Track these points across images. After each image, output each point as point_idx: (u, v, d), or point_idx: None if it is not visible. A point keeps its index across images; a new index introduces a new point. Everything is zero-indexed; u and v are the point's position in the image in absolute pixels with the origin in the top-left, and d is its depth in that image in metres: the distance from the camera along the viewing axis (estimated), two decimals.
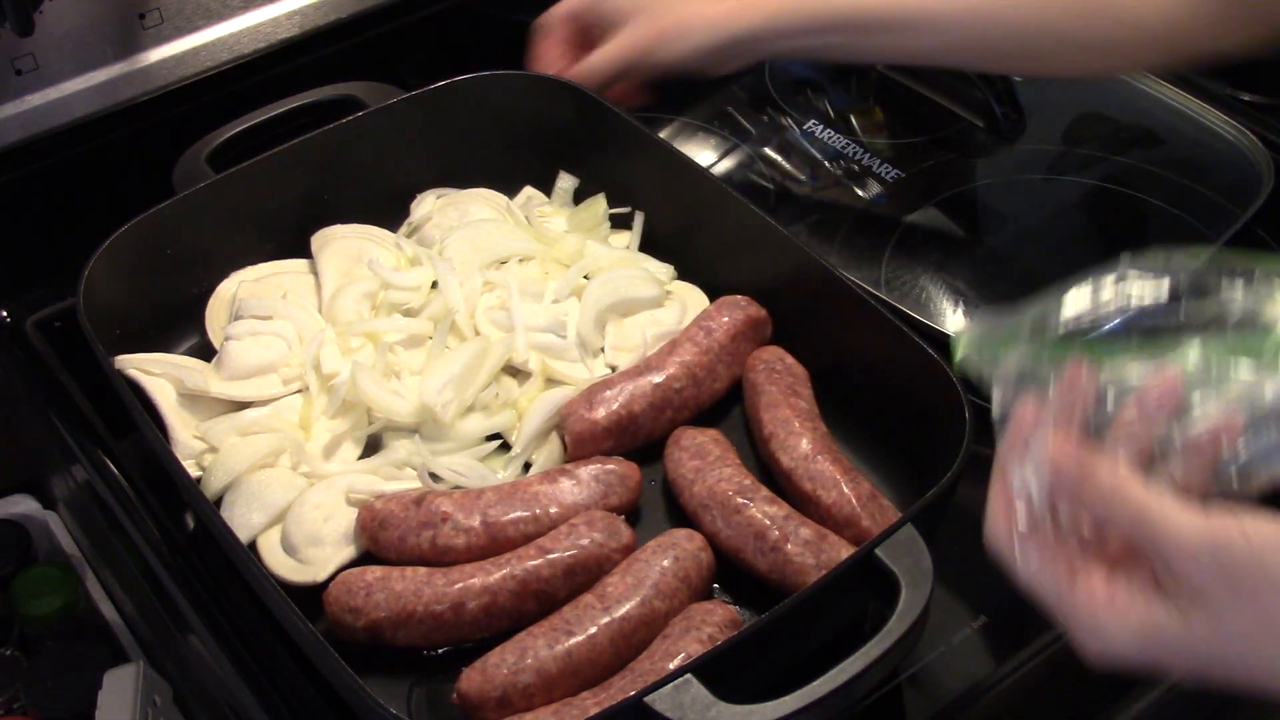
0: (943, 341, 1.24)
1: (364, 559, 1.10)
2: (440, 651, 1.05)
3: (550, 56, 1.39)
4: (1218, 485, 0.79)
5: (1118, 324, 0.85)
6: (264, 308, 1.24)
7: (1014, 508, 0.80)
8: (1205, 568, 0.73)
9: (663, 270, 1.31)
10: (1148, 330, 0.85)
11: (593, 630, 1.00)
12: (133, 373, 1.17)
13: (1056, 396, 0.81)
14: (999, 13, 1.25)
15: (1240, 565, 0.72)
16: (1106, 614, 0.76)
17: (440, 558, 1.07)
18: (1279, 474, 0.78)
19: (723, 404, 1.23)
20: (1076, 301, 0.87)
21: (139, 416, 1.10)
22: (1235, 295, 0.84)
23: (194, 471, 1.14)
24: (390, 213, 1.37)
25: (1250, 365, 0.80)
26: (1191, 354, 0.82)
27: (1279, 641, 0.73)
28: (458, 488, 1.14)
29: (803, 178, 1.47)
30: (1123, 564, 0.78)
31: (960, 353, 0.90)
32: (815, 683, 0.88)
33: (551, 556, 1.05)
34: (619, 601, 1.02)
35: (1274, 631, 0.72)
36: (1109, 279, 0.87)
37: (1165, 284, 0.85)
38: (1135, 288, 0.86)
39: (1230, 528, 0.73)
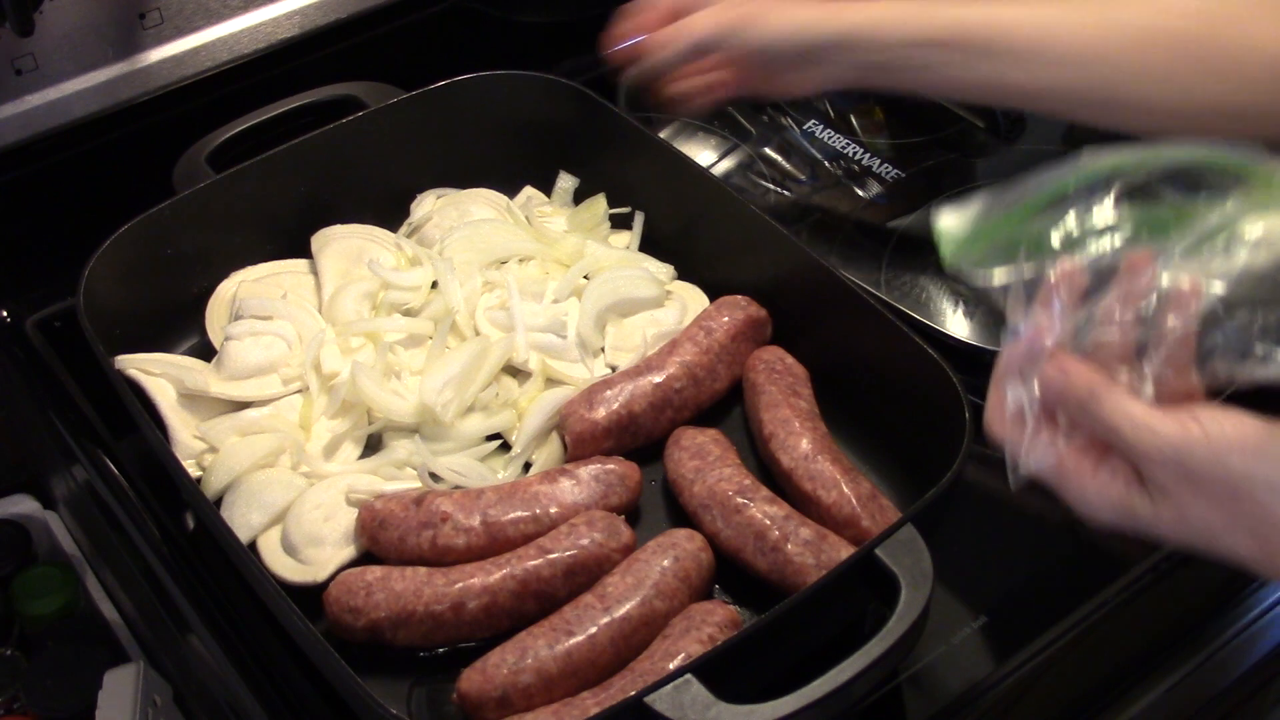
0: (944, 342, 1.24)
1: (364, 559, 1.10)
2: (440, 651, 1.05)
3: (643, 20, 1.32)
4: (1195, 377, 0.83)
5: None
6: (264, 308, 1.24)
7: (1008, 407, 0.86)
8: (1170, 470, 0.79)
9: (663, 270, 1.31)
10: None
11: (593, 630, 1.00)
12: (133, 373, 1.17)
13: (1047, 298, 0.86)
14: (1125, 55, 1.13)
15: (1201, 466, 0.78)
16: (1093, 487, 0.84)
17: (440, 558, 1.07)
18: (1248, 364, 0.82)
19: (723, 404, 1.23)
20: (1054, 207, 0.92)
21: (139, 416, 1.10)
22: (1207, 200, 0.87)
23: (194, 471, 1.14)
24: (390, 213, 1.37)
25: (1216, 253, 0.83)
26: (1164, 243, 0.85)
27: (1236, 532, 0.79)
28: (458, 488, 1.14)
29: (803, 178, 1.47)
30: (1109, 454, 0.84)
31: (947, 253, 0.95)
32: (815, 683, 0.88)
33: (551, 556, 1.05)
34: (619, 601, 1.02)
35: (1232, 524, 0.79)
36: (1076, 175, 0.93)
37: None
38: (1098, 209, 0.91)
39: (1192, 430, 0.79)
